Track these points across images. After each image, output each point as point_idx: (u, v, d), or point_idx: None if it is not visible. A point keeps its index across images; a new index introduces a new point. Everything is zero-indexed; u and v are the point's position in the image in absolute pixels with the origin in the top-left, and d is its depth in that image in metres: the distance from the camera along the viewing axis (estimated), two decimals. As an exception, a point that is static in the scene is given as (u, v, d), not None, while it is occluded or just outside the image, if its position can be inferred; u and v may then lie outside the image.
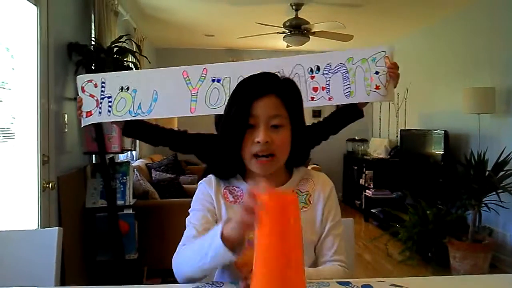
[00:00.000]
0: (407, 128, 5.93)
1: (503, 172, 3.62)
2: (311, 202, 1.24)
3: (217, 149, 1.24)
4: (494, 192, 3.59)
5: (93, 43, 3.05)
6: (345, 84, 1.57)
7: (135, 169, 3.69)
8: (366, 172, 6.10)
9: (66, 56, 2.73)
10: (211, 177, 1.27)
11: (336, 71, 1.57)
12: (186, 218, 1.22)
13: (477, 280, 1.32)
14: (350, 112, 1.80)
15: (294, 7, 4.61)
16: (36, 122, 2.35)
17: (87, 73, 2.82)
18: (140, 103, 1.67)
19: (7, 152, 2.23)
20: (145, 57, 3.50)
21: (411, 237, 4.08)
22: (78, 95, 1.72)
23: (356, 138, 7.12)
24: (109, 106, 1.68)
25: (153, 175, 4.77)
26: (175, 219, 3.33)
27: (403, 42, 6.30)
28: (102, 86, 1.69)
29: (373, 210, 5.76)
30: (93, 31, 3.21)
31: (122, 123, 1.77)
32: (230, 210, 1.21)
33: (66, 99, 2.74)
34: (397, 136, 6.20)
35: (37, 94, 2.35)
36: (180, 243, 1.16)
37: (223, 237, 0.95)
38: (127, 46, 3.08)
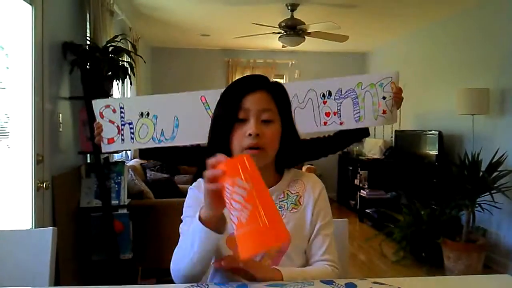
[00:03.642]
0: (401, 128, 5.95)
1: (497, 172, 3.64)
2: (301, 203, 1.24)
3: (207, 146, 1.24)
4: (488, 193, 3.62)
5: (88, 42, 3.04)
6: (355, 109, 1.65)
7: (129, 169, 3.68)
8: (361, 172, 6.12)
9: (61, 56, 2.72)
10: (200, 181, 1.26)
11: (346, 96, 1.65)
12: (180, 226, 1.21)
13: (469, 280, 1.32)
14: (359, 131, 1.89)
15: (289, 7, 4.62)
16: (30, 122, 2.34)
17: (82, 73, 2.82)
18: (162, 129, 1.69)
19: (1, 151, 2.22)
20: (140, 56, 3.49)
21: (405, 237, 4.10)
22: (95, 120, 1.73)
23: (351, 138, 7.13)
24: (131, 133, 1.70)
25: (147, 174, 4.76)
26: (170, 218, 3.33)
27: (398, 43, 6.32)
28: (121, 112, 1.70)
29: (367, 210, 5.78)
30: (88, 31, 3.20)
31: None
32: None
33: (61, 99, 2.73)
34: (391, 137, 6.22)
35: (32, 93, 2.34)
36: (174, 252, 1.15)
37: (201, 220, 0.99)
38: (122, 46, 3.08)
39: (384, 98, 1.67)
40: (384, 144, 6.36)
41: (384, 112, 1.68)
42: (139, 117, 1.69)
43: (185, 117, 1.68)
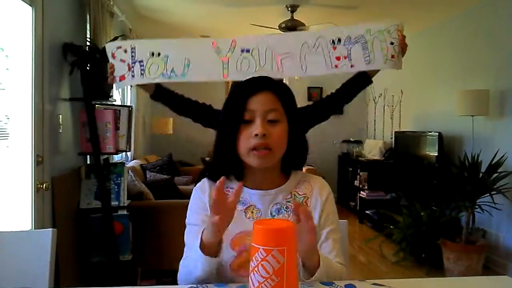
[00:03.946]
0: (401, 130, 5.96)
1: (497, 174, 3.64)
2: (308, 205, 1.24)
3: (214, 148, 1.24)
4: (488, 194, 3.62)
5: (88, 43, 3.04)
6: (365, 53, 1.69)
7: (129, 170, 3.68)
8: (361, 173, 6.11)
9: (61, 57, 2.72)
10: (204, 181, 1.27)
11: (356, 41, 1.69)
12: (185, 232, 1.23)
13: (469, 281, 1.32)
14: (361, 80, 1.91)
15: (289, 8, 4.62)
16: (30, 123, 2.34)
17: (82, 73, 2.82)
18: (173, 67, 1.72)
19: (1, 152, 2.22)
20: (140, 58, 3.50)
21: (405, 239, 4.10)
22: (109, 61, 1.78)
23: (351, 139, 7.14)
24: (142, 70, 1.74)
25: (147, 176, 4.76)
26: (170, 220, 3.35)
27: (398, 44, 6.32)
28: (132, 52, 1.74)
29: (367, 212, 5.78)
30: (88, 32, 3.19)
31: (153, 88, 1.85)
32: None
33: (61, 100, 2.73)
34: (391, 138, 6.23)
35: (32, 94, 2.34)
36: (181, 259, 1.18)
37: (202, 245, 1.04)
38: (122, 47, 3.07)
39: (392, 43, 1.71)
40: (384, 145, 6.36)
41: (392, 56, 1.71)
42: (150, 56, 1.74)
43: (196, 59, 1.72)
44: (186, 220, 1.24)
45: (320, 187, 1.27)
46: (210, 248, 1.04)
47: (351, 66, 1.70)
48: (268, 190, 1.23)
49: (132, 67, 1.74)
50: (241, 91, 1.20)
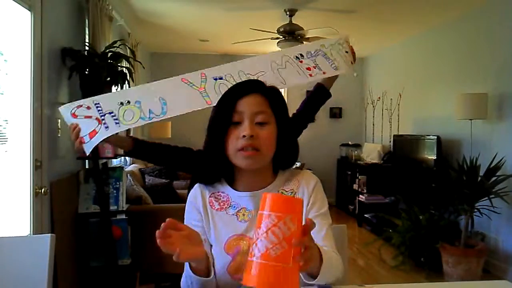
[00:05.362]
0: (400, 133, 5.96)
1: (495, 177, 3.65)
2: None
3: (203, 149, 1.25)
4: (486, 198, 3.62)
5: (87, 48, 3.05)
6: (329, 61, 1.81)
7: (128, 174, 3.68)
8: (360, 177, 6.12)
9: (60, 61, 2.72)
10: (196, 188, 1.28)
11: (316, 54, 1.80)
12: None
13: (468, 286, 1.32)
14: (320, 95, 2.05)
15: (288, 13, 4.64)
16: (29, 127, 2.34)
17: (81, 78, 2.82)
18: (149, 109, 1.56)
19: (-1, 157, 2.22)
20: (139, 62, 3.50)
21: (404, 242, 4.10)
22: (68, 124, 1.56)
23: (350, 143, 7.14)
24: (115, 119, 1.54)
25: (146, 180, 4.76)
26: (169, 224, 3.33)
27: (396, 48, 6.34)
28: (97, 106, 1.55)
29: (366, 215, 5.78)
30: (87, 36, 3.20)
31: (129, 143, 1.69)
32: (216, 218, 1.22)
33: (60, 104, 2.71)
34: (390, 141, 6.24)
35: (31, 99, 2.34)
36: (183, 272, 1.16)
37: (191, 266, 1.06)
38: (121, 51, 3.08)
39: (347, 52, 1.87)
40: (383, 149, 6.37)
41: (351, 62, 1.88)
42: (120, 105, 1.55)
43: (170, 95, 1.59)
44: None
45: (306, 179, 1.28)
46: (201, 271, 1.06)
47: (323, 72, 1.78)
48: (257, 191, 1.23)
49: (103, 119, 1.53)
50: (231, 94, 1.21)
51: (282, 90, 1.37)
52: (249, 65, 1.68)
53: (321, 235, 1.18)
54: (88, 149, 1.53)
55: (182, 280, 1.15)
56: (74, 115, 1.55)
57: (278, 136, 1.20)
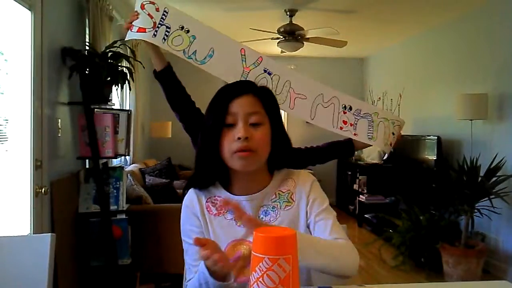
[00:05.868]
0: (400, 133, 5.95)
1: (495, 178, 3.65)
2: (294, 200, 1.25)
3: (198, 153, 1.24)
4: (487, 198, 3.62)
5: (87, 48, 3.05)
6: (369, 129, 1.77)
7: (128, 174, 3.67)
8: (360, 177, 6.12)
9: (60, 61, 2.72)
10: (191, 193, 1.26)
11: (364, 116, 1.76)
12: (184, 252, 1.22)
13: (468, 286, 1.32)
14: (347, 149, 1.98)
15: (288, 13, 4.64)
16: (29, 127, 2.34)
17: (81, 78, 2.82)
18: (196, 50, 1.62)
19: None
20: (140, 62, 3.49)
21: (404, 242, 4.10)
22: (134, 10, 1.63)
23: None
24: (166, 35, 1.60)
25: (146, 180, 4.75)
26: (169, 224, 3.34)
27: (397, 48, 6.34)
28: (164, 14, 1.61)
29: (366, 216, 5.78)
30: (87, 36, 3.20)
31: (165, 63, 1.74)
32: (215, 223, 1.22)
33: (60, 104, 2.73)
34: (390, 142, 6.23)
35: (31, 99, 2.34)
36: (185, 281, 1.15)
37: (210, 271, 1.00)
38: (121, 51, 3.08)
39: (393, 134, 1.83)
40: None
41: (390, 144, 1.83)
42: (179, 28, 1.62)
43: (221, 53, 1.64)
44: (181, 234, 1.24)
45: (302, 179, 1.28)
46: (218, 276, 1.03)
47: (354, 134, 1.76)
48: (254, 194, 1.23)
49: (158, 27, 1.60)
50: (223, 95, 1.20)
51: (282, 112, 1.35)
52: (299, 82, 1.67)
53: (328, 230, 1.19)
54: (128, 36, 1.64)
55: (191, 282, 1.12)
56: (142, 6, 1.62)
57: (272, 136, 1.20)
